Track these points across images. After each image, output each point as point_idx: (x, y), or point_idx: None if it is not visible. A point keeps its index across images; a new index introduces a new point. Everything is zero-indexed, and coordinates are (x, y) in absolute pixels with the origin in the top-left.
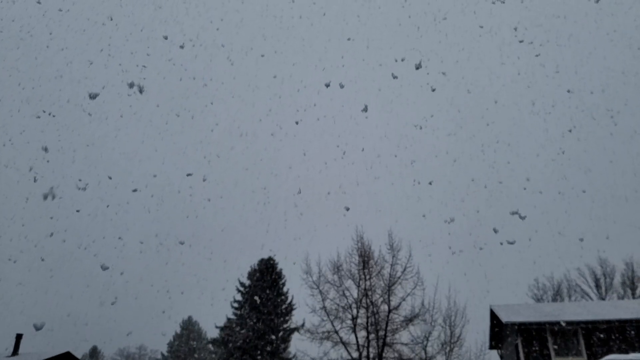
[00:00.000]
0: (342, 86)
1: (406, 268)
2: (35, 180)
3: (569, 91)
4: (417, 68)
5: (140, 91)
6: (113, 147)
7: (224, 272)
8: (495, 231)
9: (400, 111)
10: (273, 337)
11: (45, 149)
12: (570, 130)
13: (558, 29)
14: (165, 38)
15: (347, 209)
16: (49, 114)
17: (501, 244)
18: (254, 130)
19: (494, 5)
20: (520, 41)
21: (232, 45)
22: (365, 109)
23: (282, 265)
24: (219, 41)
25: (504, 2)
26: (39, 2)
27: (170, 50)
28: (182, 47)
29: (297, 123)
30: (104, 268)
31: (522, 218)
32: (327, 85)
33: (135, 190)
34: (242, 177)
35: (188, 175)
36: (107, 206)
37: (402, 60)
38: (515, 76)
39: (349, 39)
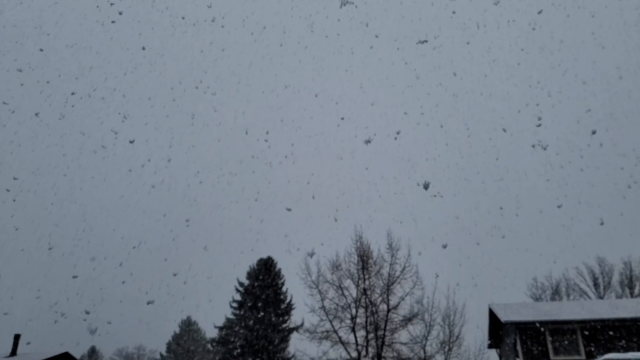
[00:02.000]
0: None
1: (405, 267)
2: None
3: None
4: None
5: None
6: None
7: (224, 272)
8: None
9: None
10: (272, 336)
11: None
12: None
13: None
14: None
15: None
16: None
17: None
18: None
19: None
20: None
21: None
22: (368, 140)
23: (281, 264)
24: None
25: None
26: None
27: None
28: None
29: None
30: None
31: None
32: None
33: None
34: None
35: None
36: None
37: (405, 114)
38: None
39: (346, 71)
